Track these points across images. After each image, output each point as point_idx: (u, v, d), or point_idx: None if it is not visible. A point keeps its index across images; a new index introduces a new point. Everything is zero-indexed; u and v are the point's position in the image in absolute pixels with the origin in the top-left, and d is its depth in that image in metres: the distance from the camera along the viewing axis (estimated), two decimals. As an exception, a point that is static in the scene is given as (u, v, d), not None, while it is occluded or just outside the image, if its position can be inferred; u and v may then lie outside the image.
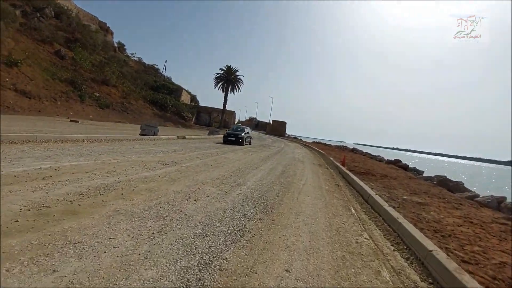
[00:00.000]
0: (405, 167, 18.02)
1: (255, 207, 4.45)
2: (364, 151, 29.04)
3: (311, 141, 50.92)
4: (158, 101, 40.95)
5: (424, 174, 17.76)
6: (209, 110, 49.74)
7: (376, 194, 6.40)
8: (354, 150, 28.60)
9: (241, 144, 17.99)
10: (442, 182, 14.11)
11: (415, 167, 18.74)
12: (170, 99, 43.05)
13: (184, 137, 17.18)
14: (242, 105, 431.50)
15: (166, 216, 3.48)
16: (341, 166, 11.99)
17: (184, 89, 52.32)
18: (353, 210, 5.23)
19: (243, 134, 18.55)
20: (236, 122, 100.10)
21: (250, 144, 20.26)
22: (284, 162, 11.45)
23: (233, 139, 18.07)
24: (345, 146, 36.70)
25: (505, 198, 10.32)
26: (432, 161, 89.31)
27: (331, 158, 15.65)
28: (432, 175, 17.48)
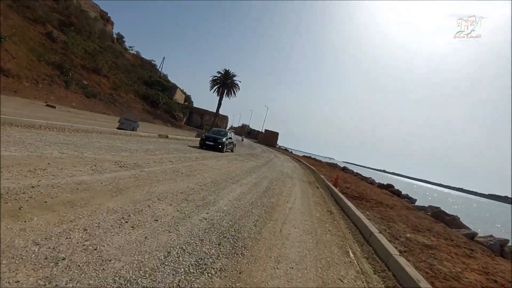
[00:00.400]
0: (398, 193, 16.96)
1: (219, 244, 3.09)
2: (354, 171, 28.03)
3: (301, 155, 49.88)
4: (150, 97, 39.35)
5: (417, 203, 16.73)
6: (202, 112, 48.26)
7: (378, 232, 5.12)
8: (344, 169, 27.57)
9: (220, 150, 15.24)
10: (438, 214, 13.01)
11: (407, 194, 17.70)
12: (163, 96, 41.50)
13: (166, 136, 15.71)
14: (236, 111, 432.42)
15: (58, 263, 2.08)
16: (333, 187, 10.76)
17: (179, 88, 50.83)
18: (352, 255, 3.92)
19: (224, 140, 15.72)
20: (228, 128, 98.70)
21: (232, 151, 17.64)
22: (271, 176, 10.14)
23: (212, 143, 15.32)
24: (336, 164, 35.74)
25: (507, 241, 9.31)
26: (421, 188, 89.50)
27: (322, 176, 14.42)
28: (425, 205, 16.44)
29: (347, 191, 11.38)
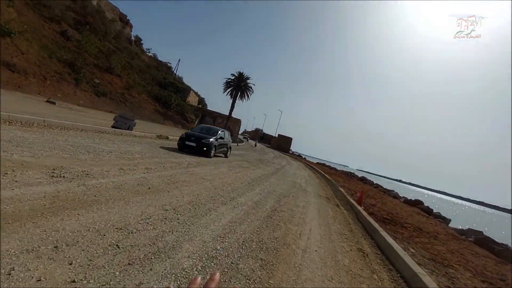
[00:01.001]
0: (429, 212, 14.42)
1: None
2: (374, 182, 25.38)
3: (315, 162, 47.29)
4: (162, 98, 38.21)
5: (452, 224, 14.13)
6: (215, 115, 46.76)
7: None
8: (363, 180, 25.01)
9: (206, 154, 11.11)
10: (483, 242, 10.51)
11: (439, 213, 15.09)
12: (175, 97, 40.30)
13: (167, 138, 13.95)
14: (250, 116, 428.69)
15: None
16: (356, 205, 8.56)
17: (193, 90, 49.71)
18: None
19: (212, 140, 11.44)
20: (241, 132, 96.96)
21: (226, 156, 13.26)
22: (280, 190, 8.07)
23: (193, 144, 11.02)
24: (353, 173, 33.02)
25: None
26: (443, 201, 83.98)
27: (340, 188, 12.19)
28: (461, 227, 13.81)
29: (373, 210, 9.14)
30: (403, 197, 18.57)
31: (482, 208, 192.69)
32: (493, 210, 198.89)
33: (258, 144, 50.53)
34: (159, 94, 38.47)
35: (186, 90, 46.32)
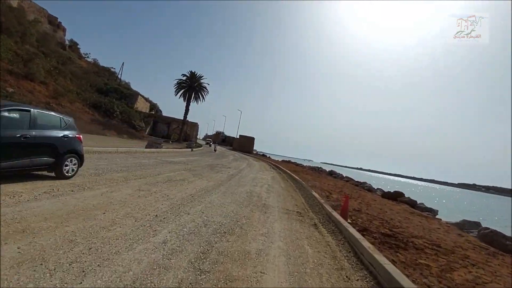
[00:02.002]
0: (413, 205, 12.20)
1: None
2: (343, 175, 23.24)
3: (280, 160, 44.86)
4: (103, 106, 32.91)
5: (438, 215, 12.03)
6: (168, 121, 42.05)
7: None
8: (332, 174, 22.78)
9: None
10: (492, 238, 8.25)
11: (423, 203, 12.96)
12: (119, 104, 35.13)
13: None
14: (210, 119, 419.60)
15: None
16: (339, 219, 5.63)
17: (141, 95, 44.41)
18: None
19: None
20: (203, 137, 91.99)
21: (49, 168, 5.49)
22: (220, 218, 4.66)
23: None
24: (320, 168, 30.94)
25: None
26: (399, 183, 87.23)
27: (313, 192, 9.30)
28: (451, 217, 11.74)
29: (363, 220, 6.28)
30: (378, 188, 16.43)
31: (434, 185, 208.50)
32: (444, 186, 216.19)
33: (218, 148, 46.81)
34: (99, 102, 33.11)
35: (133, 95, 41.07)
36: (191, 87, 38.83)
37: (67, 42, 49.27)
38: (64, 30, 50.43)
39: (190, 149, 25.76)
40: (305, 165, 37.39)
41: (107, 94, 37.52)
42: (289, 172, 17.58)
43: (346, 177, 20.94)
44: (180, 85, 39.05)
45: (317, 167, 31.78)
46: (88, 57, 50.99)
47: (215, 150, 32.07)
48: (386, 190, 17.63)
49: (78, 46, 51.53)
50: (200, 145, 40.82)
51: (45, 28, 40.09)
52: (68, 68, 36.59)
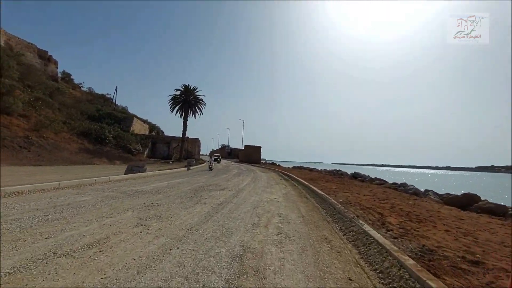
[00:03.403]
0: (504, 212, 7.82)
1: None
2: (370, 177, 18.71)
3: (291, 167, 40.41)
4: (93, 133, 29.69)
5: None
6: (168, 140, 38.50)
7: None
8: (357, 177, 18.32)
9: None
10: None
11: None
12: (111, 129, 31.89)
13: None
14: (214, 134, 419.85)
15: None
16: None
17: (138, 117, 41.35)
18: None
19: None
20: (209, 152, 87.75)
21: None
22: None
23: None
24: (338, 170, 26.37)
25: None
26: (417, 175, 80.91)
27: (359, 220, 5.16)
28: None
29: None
30: (425, 191, 11.97)
31: (451, 172, 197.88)
32: (461, 172, 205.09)
33: (223, 162, 42.79)
34: (88, 129, 29.90)
35: (128, 119, 37.89)
36: (186, 101, 35.37)
37: (59, 75, 47.43)
38: (56, 63, 48.64)
39: (186, 169, 21.82)
40: (319, 169, 32.87)
41: (100, 120, 34.52)
42: (305, 182, 13.35)
43: (376, 179, 16.42)
44: (175, 101, 35.65)
45: (335, 170, 27.25)
46: (82, 86, 48.88)
47: (210, 168, 22.56)
48: (423, 189, 13.16)
49: (72, 77, 49.68)
50: (203, 161, 36.93)
51: (29, 61, 37.89)
52: (57, 99, 33.97)
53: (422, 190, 12.54)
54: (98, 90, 51.17)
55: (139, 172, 14.44)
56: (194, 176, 15.88)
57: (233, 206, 6.71)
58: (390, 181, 16.20)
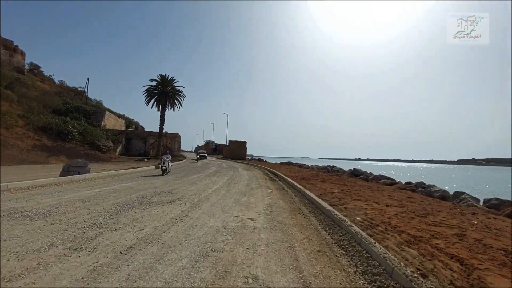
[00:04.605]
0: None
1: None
2: (372, 174, 15.56)
3: (279, 163, 37.08)
4: (54, 127, 25.41)
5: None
6: (144, 135, 34.33)
7: None
8: (356, 175, 15.12)
9: None
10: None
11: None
12: (76, 123, 27.65)
13: None
14: (198, 129, 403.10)
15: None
16: None
17: (112, 112, 36.97)
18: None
19: None
20: (194, 148, 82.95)
21: None
22: None
23: None
24: (333, 166, 23.14)
25: None
26: (402, 169, 79.72)
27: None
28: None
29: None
30: (454, 194, 8.89)
31: (433, 165, 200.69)
32: (445, 165, 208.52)
33: (207, 158, 38.95)
34: (49, 123, 25.60)
35: (99, 112, 33.55)
36: (164, 92, 31.39)
37: (26, 66, 42.42)
38: (22, 54, 43.54)
39: (154, 167, 18.08)
40: (309, 165, 29.72)
41: (65, 114, 30.11)
42: (296, 184, 10.00)
43: (381, 176, 13.24)
44: (150, 92, 31.61)
45: (328, 166, 24.04)
46: (52, 78, 43.98)
47: (162, 171, 13.86)
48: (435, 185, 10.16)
49: (41, 69, 44.65)
50: (183, 158, 33.12)
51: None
52: (18, 91, 29.38)
53: (442, 190, 9.38)
54: (73, 84, 46.37)
55: (78, 173, 10.70)
56: (155, 177, 12.25)
57: (149, 259, 3.13)
58: (392, 178, 13.15)
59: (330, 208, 5.58)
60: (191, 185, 9.39)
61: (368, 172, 15.60)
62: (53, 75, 44.30)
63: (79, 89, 43.30)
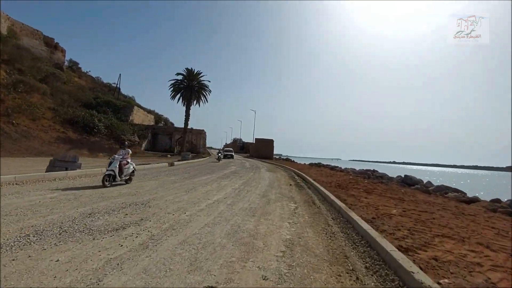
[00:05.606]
0: None
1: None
2: (425, 181, 11.91)
3: (307, 163, 33.67)
4: (80, 121, 25.02)
5: None
6: (170, 131, 33.27)
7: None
8: (410, 184, 11.59)
9: None
10: None
11: None
12: (102, 117, 27.13)
13: None
14: (227, 127, 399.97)
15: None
16: None
17: (140, 106, 36.58)
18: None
19: None
20: (222, 146, 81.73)
21: None
22: None
23: None
24: (374, 171, 19.40)
25: None
26: (458, 176, 70.75)
27: None
28: None
29: None
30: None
31: (478, 172, 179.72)
32: (494, 172, 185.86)
33: (235, 156, 36.81)
34: (76, 116, 25.28)
35: (128, 107, 33.10)
36: (189, 87, 29.84)
37: (66, 63, 44.10)
38: (63, 51, 45.45)
39: (168, 164, 16.21)
40: (342, 168, 26.09)
41: (96, 108, 29.99)
42: (333, 198, 7.09)
43: (445, 187, 9.66)
44: (176, 87, 30.26)
45: (368, 170, 20.38)
46: (89, 75, 45.31)
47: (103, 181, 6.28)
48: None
49: (80, 66, 46.22)
50: (207, 155, 31.34)
51: (27, 45, 34.20)
52: (53, 85, 29.86)
53: None
54: (107, 80, 47.49)
55: (66, 169, 8.88)
56: (155, 177, 10.09)
57: None
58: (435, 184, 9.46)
59: (412, 265, 2.68)
60: (185, 193, 6.89)
61: (425, 180, 11.88)
62: (89, 71, 45.53)
63: (112, 85, 43.92)
